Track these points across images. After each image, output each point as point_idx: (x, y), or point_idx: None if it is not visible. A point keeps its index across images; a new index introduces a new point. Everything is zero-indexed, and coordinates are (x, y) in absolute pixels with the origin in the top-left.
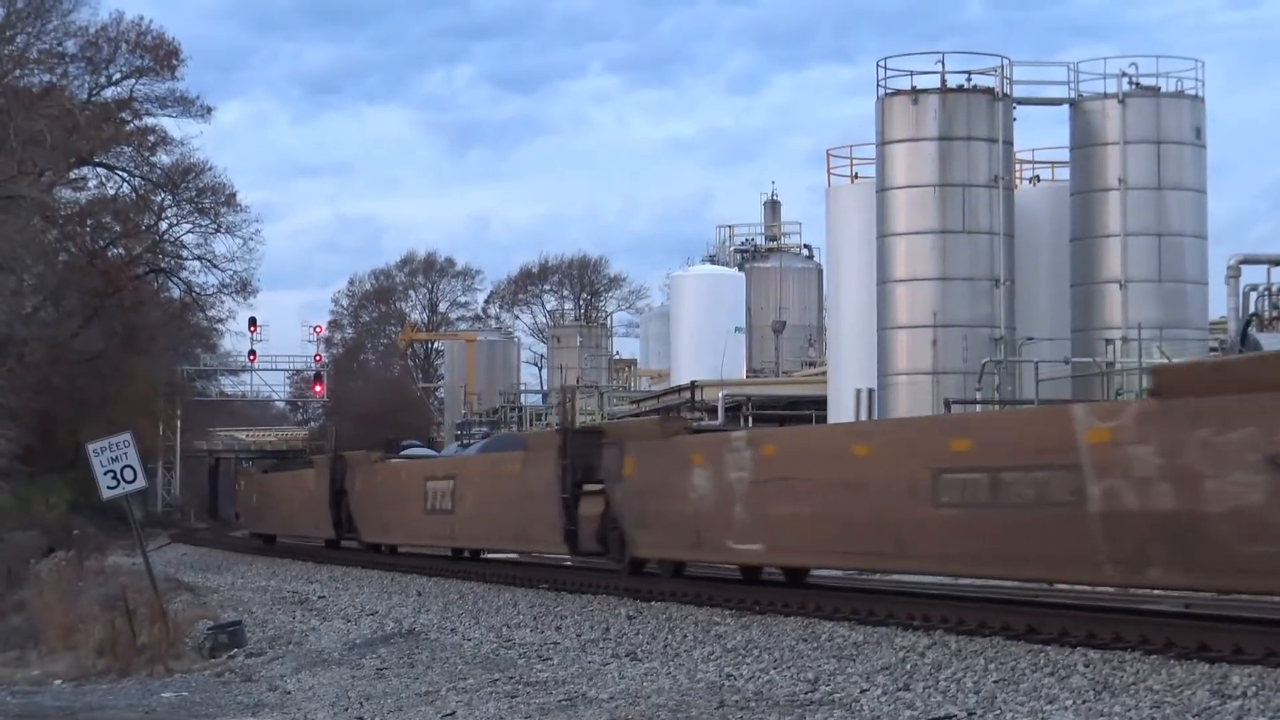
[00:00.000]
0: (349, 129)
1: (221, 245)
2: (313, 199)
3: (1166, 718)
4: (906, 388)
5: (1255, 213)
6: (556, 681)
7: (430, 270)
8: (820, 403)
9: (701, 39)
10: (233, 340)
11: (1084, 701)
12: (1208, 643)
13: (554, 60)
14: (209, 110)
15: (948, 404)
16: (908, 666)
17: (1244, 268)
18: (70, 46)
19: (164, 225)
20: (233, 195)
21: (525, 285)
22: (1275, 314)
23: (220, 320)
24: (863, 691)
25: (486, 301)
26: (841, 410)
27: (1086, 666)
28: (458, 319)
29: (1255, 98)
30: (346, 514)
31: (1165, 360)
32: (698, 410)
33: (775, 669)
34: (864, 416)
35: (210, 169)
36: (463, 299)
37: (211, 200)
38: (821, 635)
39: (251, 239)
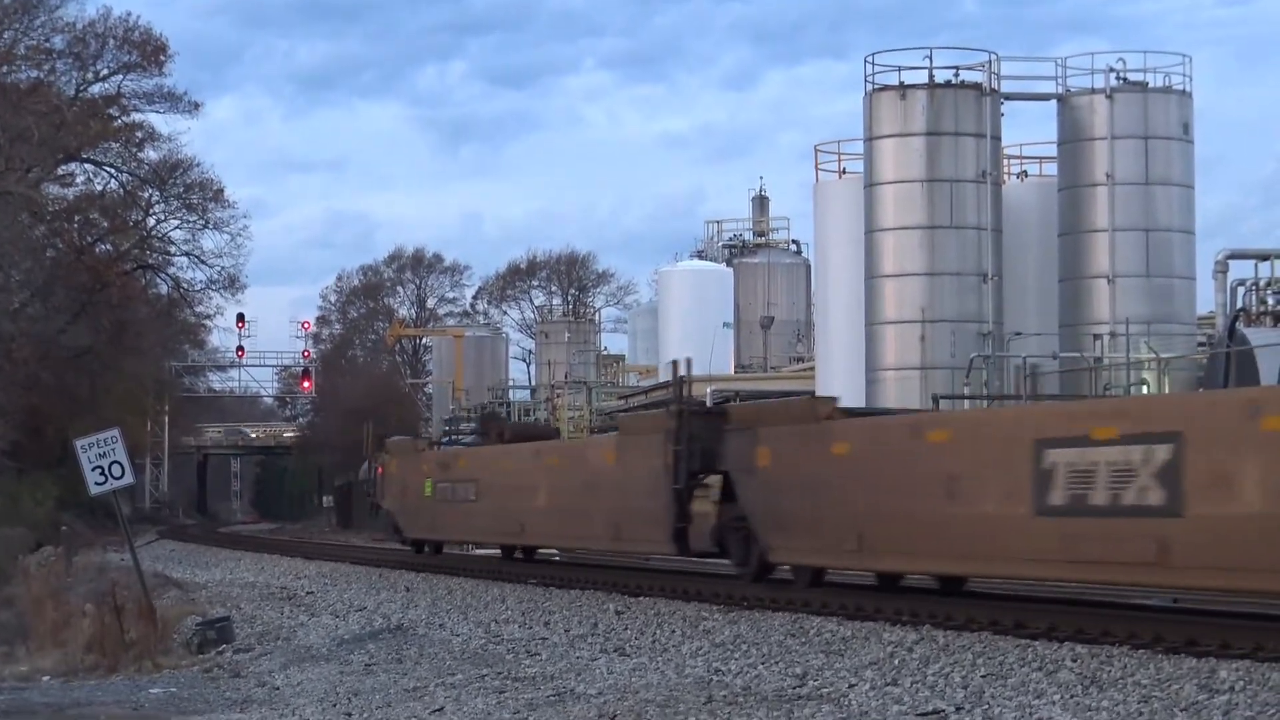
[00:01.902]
0: (342, 125)
1: (209, 241)
2: (305, 195)
3: (1154, 712)
4: (895, 383)
5: (1246, 208)
6: (545, 677)
7: (418, 266)
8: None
9: (695, 35)
10: (221, 336)
11: (1072, 696)
12: (1196, 638)
13: (547, 56)
14: (197, 106)
15: (936, 399)
16: (896, 661)
17: (1232, 263)
18: (58, 42)
19: (151, 221)
20: (220, 191)
21: (513, 281)
22: (1263, 309)
23: (208, 316)
24: (851, 686)
25: (475, 297)
26: None
27: (1074, 661)
28: (446, 315)
29: (1246, 94)
30: (722, 513)
31: (1153, 355)
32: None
33: (763, 664)
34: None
35: (198, 165)
36: (451, 295)
37: (199, 196)
38: (810, 630)
39: (239, 235)
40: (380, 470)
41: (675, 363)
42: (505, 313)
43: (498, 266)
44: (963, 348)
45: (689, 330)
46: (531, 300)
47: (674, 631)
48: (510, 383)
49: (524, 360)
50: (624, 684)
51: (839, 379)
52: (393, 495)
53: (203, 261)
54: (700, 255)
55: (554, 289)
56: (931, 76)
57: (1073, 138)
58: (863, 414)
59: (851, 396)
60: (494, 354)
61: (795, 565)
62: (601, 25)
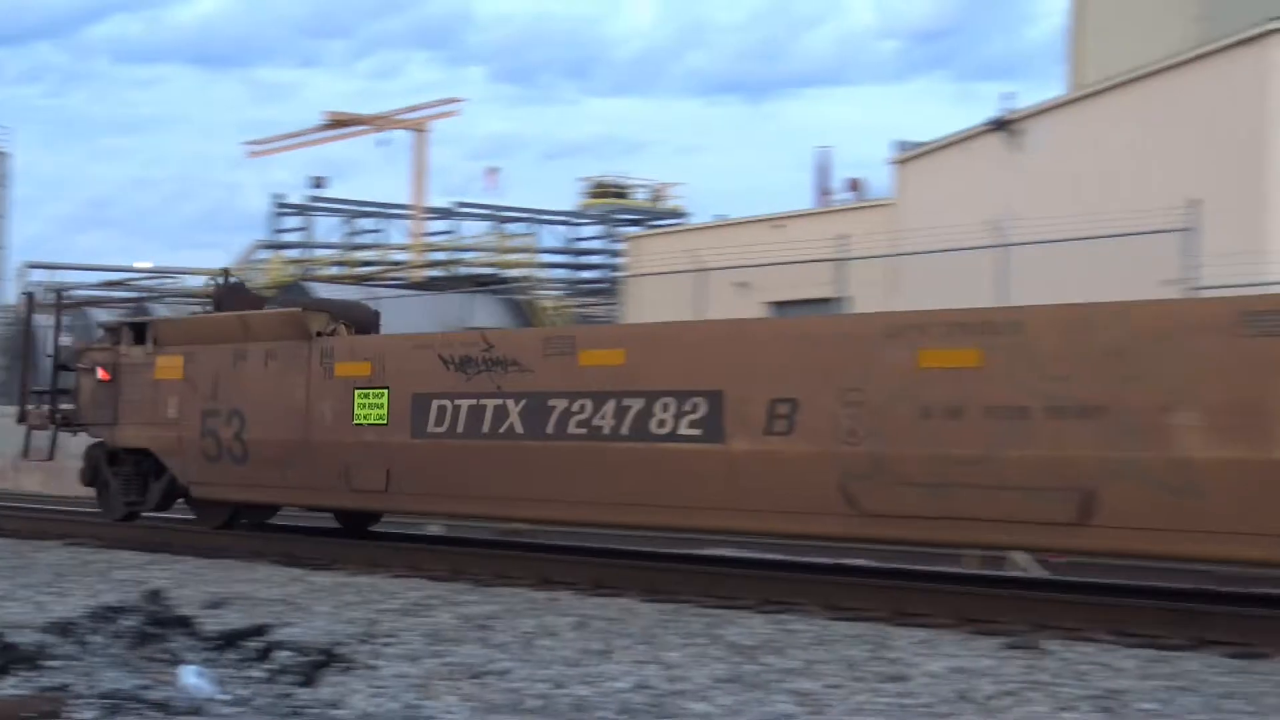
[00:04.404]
0: None
1: None
2: None
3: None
4: None
5: (52, 234)
6: None
7: None
8: None
9: None
10: None
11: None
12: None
13: None
14: None
15: None
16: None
17: (31, 270)
18: None
19: None
20: None
21: None
22: (49, 301)
23: None
24: None
25: None
26: None
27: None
28: None
29: (56, 160)
30: None
31: None
32: None
33: None
34: None
35: None
36: None
37: None
38: None
39: None
40: (105, 376)
41: None
42: None
43: None
44: None
45: None
46: None
47: None
48: None
49: None
50: None
51: None
52: (168, 423)
53: None
54: None
55: None
56: None
57: None
58: None
59: None
60: None
61: None
62: None
